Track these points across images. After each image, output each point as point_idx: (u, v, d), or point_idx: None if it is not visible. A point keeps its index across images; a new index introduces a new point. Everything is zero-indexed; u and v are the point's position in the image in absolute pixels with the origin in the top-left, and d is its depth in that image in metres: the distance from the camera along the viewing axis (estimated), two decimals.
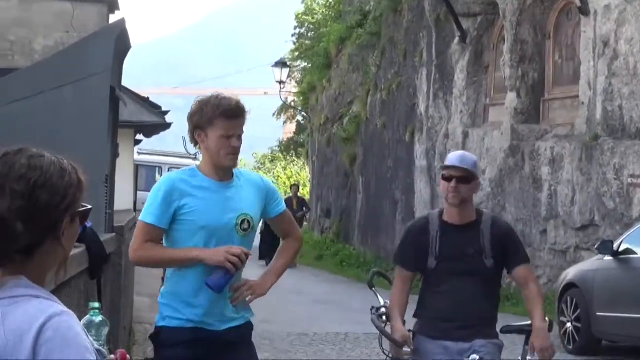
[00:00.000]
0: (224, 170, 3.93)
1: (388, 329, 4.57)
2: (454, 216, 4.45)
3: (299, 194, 23.79)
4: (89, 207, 2.01)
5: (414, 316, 4.65)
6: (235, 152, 3.88)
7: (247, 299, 3.95)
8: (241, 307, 3.96)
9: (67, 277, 4.32)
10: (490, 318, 4.53)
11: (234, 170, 4.01)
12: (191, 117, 3.91)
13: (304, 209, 23.44)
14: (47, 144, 1.95)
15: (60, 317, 1.78)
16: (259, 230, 23.00)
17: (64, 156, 1.96)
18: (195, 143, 3.94)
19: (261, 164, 61.29)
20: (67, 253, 1.95)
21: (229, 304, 3.89)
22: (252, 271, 4.56)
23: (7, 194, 1.79)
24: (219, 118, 3.83)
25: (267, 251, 19.27)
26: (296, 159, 53.45)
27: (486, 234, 4.44)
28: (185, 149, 24.29)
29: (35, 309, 1.78)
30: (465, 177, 4.37)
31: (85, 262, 5.12)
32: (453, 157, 4.49)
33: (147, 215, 3.86)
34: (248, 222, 3.92)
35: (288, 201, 21.30)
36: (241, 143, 3.92)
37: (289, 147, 50.84)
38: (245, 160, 66.59)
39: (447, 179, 4.38)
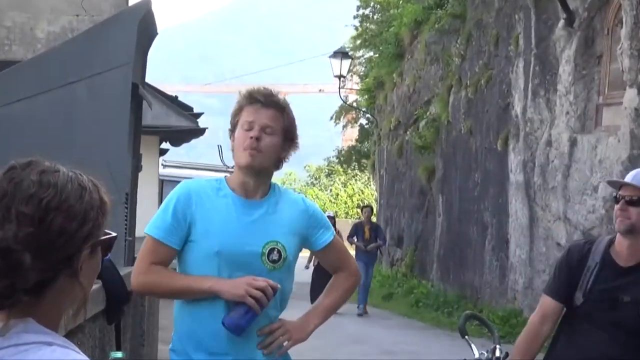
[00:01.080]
0: (248, 181, 3.89)
1: None
2: (622, 252, 4.45)
3: (372, 219, 23.10)
4: (114, 234, 2.01)
5: None
6: (254, 146, 3.83)
7: (284, 344, 3.90)
8: (275, 356, 3.89)
9: (80, 320, 4.36)
10: None
11: (273, 186, 4.01)
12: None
13: (378, 239, 21.57)
14: (55, 155, 1.96)
15: None
16: (311, 269, 22.87)
17: (81, 170, 1.97)
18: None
19: (315, 178, 61.51)
20: (87, 291, 1.95)
21: (258, 352, 3.84)
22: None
23: (13, 219, 1.78)
24: (245, 106, 3.89)
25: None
26: (359, 173, 53.51)
27: None
28: (222, 160, 24.49)
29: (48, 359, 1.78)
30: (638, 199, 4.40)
31: (102, 303, 5.16)
32: (630, 174, 4.52)
33: (154, 228, 3.83)
34: (279, 252, 3.85)
35: (358, 228, 21.30)
36: (271, 140, 3.87)
37: (350, 158, 50.94)
38: (297, 175, 66.90)
39: (617, 199, 4.47)
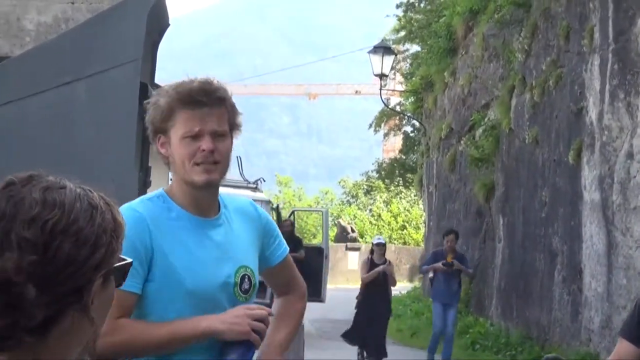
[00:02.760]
0: (202, 197, 3.77)
1: None
2: None
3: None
4: (129, 260, 2.00)
5: None
6: (211, 160, 3.69)
7: None
8: None
9: None
10: None
11: (219, 198, 3.88)
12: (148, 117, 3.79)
13: (465, 266, 19.68)
14: (50, 167, 1.94)
15: None
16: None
17: (90, 186, 1.95)
18: (166, 159, 3.80)
19: (352, 196, 61.53)
20: (99, 328, 1.94)
21: None
22: None
23: (14, 246, 1.78)
24: (180, 110, 3.68)
25: None
26: (404, 190, 53.48)
27: None
28: (241, 174, 24.54)
29: None
30: None
31: None
32: None
33: None
34: (249, 278, 3.79)
35: (438, 257, 19.39)
36: (224, 146, 3.75)
37: (393, 172, 51.09)
38: (334, 194, 66.83)
39: None
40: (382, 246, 19.22)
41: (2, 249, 1.77)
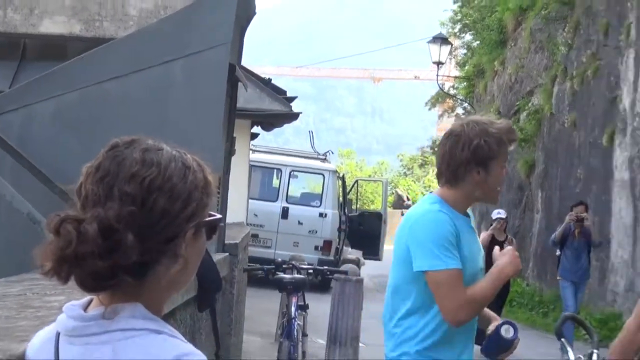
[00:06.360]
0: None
1: None
2: None
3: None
4: (218, 216, 2.00)
5: None
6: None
7: None
8: None
9: (172, 306, 4.38)
10: None
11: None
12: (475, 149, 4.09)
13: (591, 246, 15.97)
14: (150, 133, 1.95)
15: None
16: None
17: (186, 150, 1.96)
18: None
19: (408, 169, 61.31)
20: (190, 276, 1.95)
21: None
22: None
23: (115, 197, 1.79)
24: (505, 145, 4.10)
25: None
26: None
27: None
28: (312, 146, 24.50)
29: (157, 349, 1.78)
30: None
31: (193, 289, 5.18)
32: None
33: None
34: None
35: (566, 231, 15.43)
36: None
37: None
38: (389, 164, 66.80)
39: None
40: (502, 221, 15.27)
41: (105, 200, 1.79)
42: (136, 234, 1.77)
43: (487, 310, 4.36)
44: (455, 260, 3.93)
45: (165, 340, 1.80)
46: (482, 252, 4.28)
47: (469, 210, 4.29)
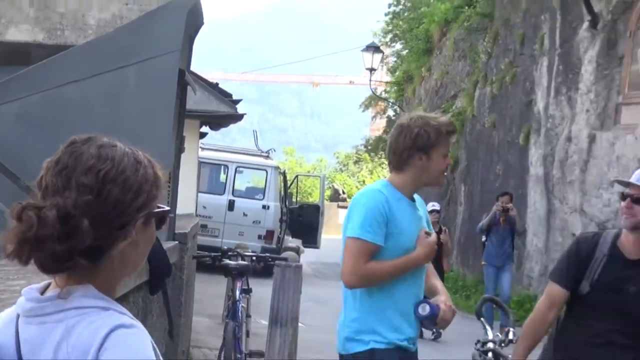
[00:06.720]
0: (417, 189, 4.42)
1: None
2: (629, 246, 4.47)
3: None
4: (167, 208, 2.03)
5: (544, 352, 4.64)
6: (446, 173, 4.52)
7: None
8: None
9: (126, 290, 4.39)
10: None
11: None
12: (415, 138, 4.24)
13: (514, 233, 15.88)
14: (106, 133, 1.97)
15: (127, 329, 1.81)
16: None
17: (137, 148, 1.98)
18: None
19: (343, 165, 61.38)
20: (140, 261, 1.98)
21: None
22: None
23: (73, 188, 1.82)
24: (444, 139, 4.28)
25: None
26: (385, 161, 53.34)
27: None
28: (256, 144, 24.48)
29: (102, 322, 1.81)
30: None
31: (145, 274, 5.19)
32: (635, 174, 4.53)
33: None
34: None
35: (492, 220, 15.54)
36: None
37: (377, 147, 50.74)
38: (326, 161, 66.91)
39: (623, 197, 4.48)
40: (435, 213, 14.81)
41: (63, 190, 1.82)
42: (91, 221, 1.80)
43: (436, 285, 4.66)
44: (372, 234, 4.11)
45: (112, 315, 1.83)
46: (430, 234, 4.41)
47: (416, 196, 4.44)
